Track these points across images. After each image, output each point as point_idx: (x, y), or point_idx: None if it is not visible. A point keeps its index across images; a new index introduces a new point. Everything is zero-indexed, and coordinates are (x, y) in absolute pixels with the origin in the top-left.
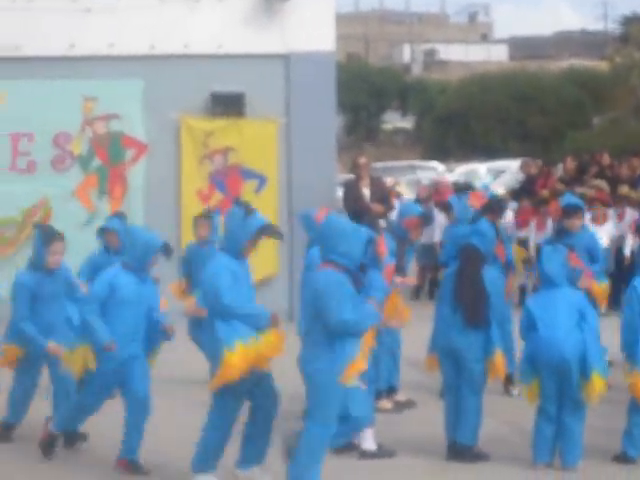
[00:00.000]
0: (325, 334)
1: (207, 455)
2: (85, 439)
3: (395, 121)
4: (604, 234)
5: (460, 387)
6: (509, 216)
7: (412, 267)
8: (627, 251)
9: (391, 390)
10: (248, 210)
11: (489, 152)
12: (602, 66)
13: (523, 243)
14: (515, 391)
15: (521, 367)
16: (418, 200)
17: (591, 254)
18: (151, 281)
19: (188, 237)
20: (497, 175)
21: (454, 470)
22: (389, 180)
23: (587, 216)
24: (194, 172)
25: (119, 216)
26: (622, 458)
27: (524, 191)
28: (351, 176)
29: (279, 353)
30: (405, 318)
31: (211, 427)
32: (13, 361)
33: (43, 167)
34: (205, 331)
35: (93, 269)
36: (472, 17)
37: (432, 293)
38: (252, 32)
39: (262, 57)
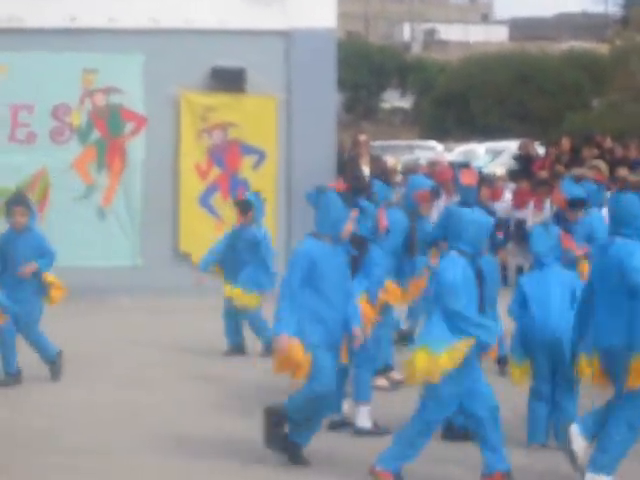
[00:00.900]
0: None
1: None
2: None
3: (394, 100)
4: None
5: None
6: (507, 197)
7: None
8: None
9: (387, 368)
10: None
11: (488, 132)
12: (602, 49)
13: (521, 224)
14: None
15: (513, 346)
16: None
17: (589, 239)
18: None
19: (186, 211)
20: (496, 155)
21: (449, 449)
22: (390, 160)
23: None
24: (193, 146)
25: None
26: None
27: (522, 172)
28: (350, 153)
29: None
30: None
31: None
32: None
33: (42, 139)
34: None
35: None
36: None
37: None
38: (253, 8)
39: (263, 33)
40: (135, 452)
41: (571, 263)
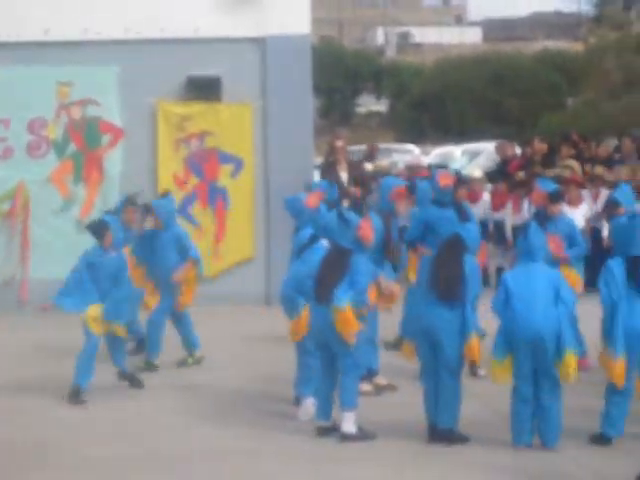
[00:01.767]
0: None
1: None
2: None
3: (369, 104)
4: (579, 216)
5: (438, 371)
6: (485, 198)
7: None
8: (605, 232)
9: (371, 373)
10: None
11: (464, 134)
12: (576, 48)
13: (499, 225)
14: (482, 372)
15: (495, 343)
16: None
17: (571, 240)
18: None
19: None
20: (472, 157)
21: (434, 453)
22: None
23: None
24: (170, 157)
25: None
26: (600, 438)
27: (500, 173)
28: (328, 159)
29: None
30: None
31: None
32: None
33: (19, 153)
34: None
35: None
36: None
37: None
38: (228, 16)
39: (238, 41)
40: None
41: (551, 264)
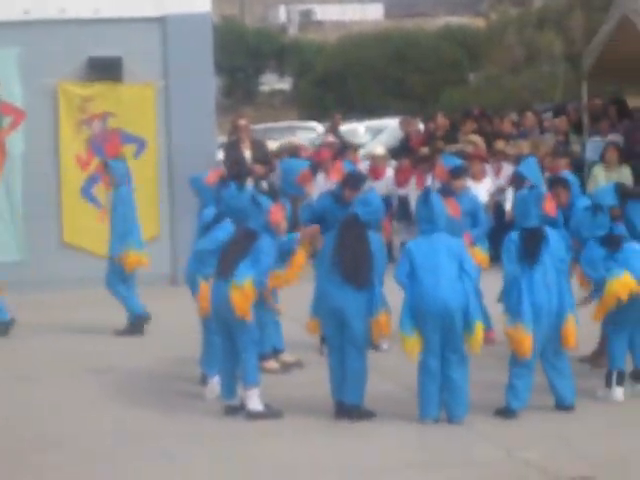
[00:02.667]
0: None
1: None
2: None
3: (273, 82)
4: (483, 190)
5: (344, 348)
6: (389, 174)
7: None
8: (507, 206)
9: (276, 351)
10: None
11: (367, 111)
12: (478, 23)
13: (403, 200)
14: (385, 345)
15: (402, 318)
16: None
17: (473, 217)
18: None
19: (68, 203)
20: (376, 134)
21: (342, 429)
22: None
23: None
24: (72, 138)
25: None
26: (505, 411)
27: (403, 149)
28: (231, 138)
29: None
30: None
31: None
32: None
33: None
34: None
35: None
36: None
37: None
38: None
39: (138, 20)
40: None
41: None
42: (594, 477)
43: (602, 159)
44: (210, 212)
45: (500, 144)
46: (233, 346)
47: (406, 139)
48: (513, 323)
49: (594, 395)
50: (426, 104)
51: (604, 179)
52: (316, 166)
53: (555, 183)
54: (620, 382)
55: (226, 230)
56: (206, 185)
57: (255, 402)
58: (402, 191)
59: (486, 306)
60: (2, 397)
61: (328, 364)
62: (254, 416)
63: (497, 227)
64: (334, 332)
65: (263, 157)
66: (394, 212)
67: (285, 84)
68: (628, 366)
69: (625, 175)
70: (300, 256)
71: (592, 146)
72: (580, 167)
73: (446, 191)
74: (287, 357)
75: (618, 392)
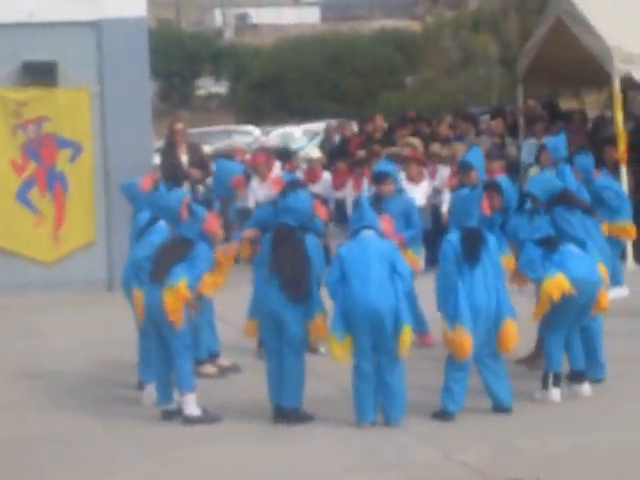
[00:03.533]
0: None
1: None
2: None
3: (209, 86)
4: (420, 193)
5: (282, 350)
6: (326, 177)
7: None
8: (444, 208)
9: (212, 356)
10: None
11: (304, 114)
12: (414, 26)
13: (340, 204)
14: (322, 349)
15: (334, 322)
16: None
17: (406, 219)
18: None
19: (3, 208)
20: (312, 137)
21: (280, 433)
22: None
23: (403, 175)
24: (7, 143)
25: None
26: (441, 414)
27: (340, 152)
28: (168, 142)
29: None
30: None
31: None
32: None
33: None
34: None
35: None
36: None
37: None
38: (62, 0)
39: (73, 25)
40: None
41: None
42: (532, 479)
43: (537, 161)
44: (144, 217)
45: (435, 147)
46: (167, 351)
47: (343, 142)
48: (453, 326)
49: (531, 397)
50: (363, 107)
51: None
52: (251, 171)
53: (488, 187)
54: (557, 383)
55: (160, 234)
56: (140, 191)
57: (192, 407)
58: (339, 194)
59: (422, 309)
60: None
61: (266, 368)
62: (191, 421)
63: (434, 230)
64: (272, 335)
65: (200, 161)
66: (331, 215)
67: (221, 88)
68: (565, 367)
69: None
70: (228, 262)
71: (528, 148)
72: (516, 169)
73: (377, 197)
74: (224, 361)
75: (555, 393)
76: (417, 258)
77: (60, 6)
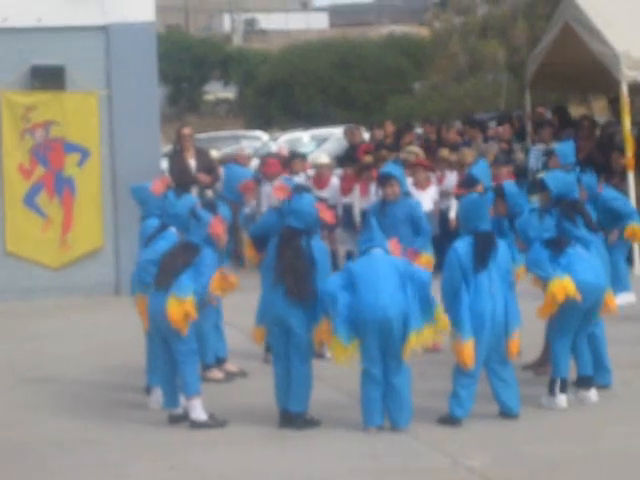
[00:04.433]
0: None
1: None
2: None
3: (217, 91)
4: (427, 199)
5: (289, 355)
6: (334, 182)
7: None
8: (452, 214)
9: (219, 361)
10: None
11: (312, 120)
12: (422, 32)
13: (348, 209)
14: (328, 353)
15: (337, 327)
16: None
17: (414, 224)
18: None
19: (11, 212)
20: (320, 142)
21: (287, 438)
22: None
23: (410, 181)
24: (15, 147)
25: None
26: (448, 419)
27: (348, 158)
28: (176, 147)
29: None
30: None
31: None
32: None
33: None
34: None
35: None
36: None
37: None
38: (71, 4)
39: (81, 29)
40: None
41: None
42: None
43: (545, 166)
44: (153, 223)
45: (444, 152)
46: (171, 355)
47: (351, 148)
48: (454, 333)
49: (538, 402)
50: (370, 113)
51: None
52: (260, 176)
53: (494, 193)
54: (564, 389)
55: (169, 240)
56: (151, 195)
57: (198, 412)
58: (346, 199)
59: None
60: None
61: (273, 372)
62: (198, 426)
63: (441, 235)
64: (279, 340)
65: (207, 166)
66: (339, 220)
67: (230, 93)
68: (572, 373)
69: None
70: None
71: (535, 154)
72: (524, 174)
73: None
74: (231, 366)
75: (561, 399)
76: (430, 258)
77: (68, 11)
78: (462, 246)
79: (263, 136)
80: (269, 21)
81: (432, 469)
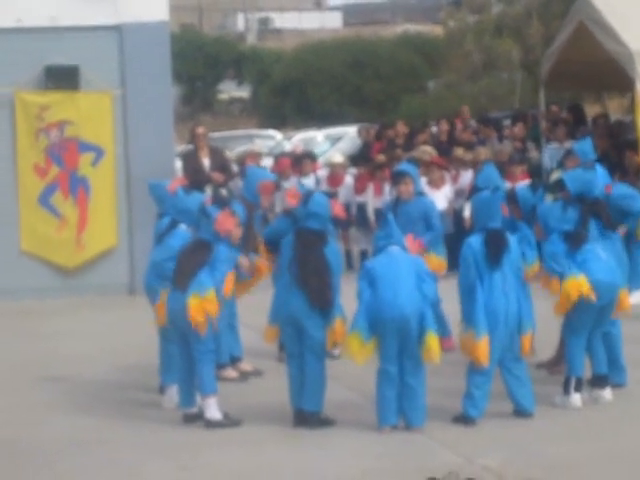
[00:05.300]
0: None
1: None
2: None
3: (231, 91)
4: (442, 197)
5: (303, 354)
6: (348, 181)
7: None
8: (466, 212)
9: (234, 360)
10: None
11: (326, 119)
12: (436, 31)
13: (362, 208)
14: (336, 351)
15: (358, 325)
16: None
17: (426, 222)
18: None
19: (26, 212)
20: (335, 142)
21: (301, 437)
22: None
23: (424, 180)
24: (30, 147)
25: None
26: (463, 419)
27: (362, 157)
28: (189, 146)
29: None
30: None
31: None
32: None
33: None
34: None
35: None
36: None
37: None
38: (84, 4)
39: (95, 29)
40: None
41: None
42: None
43: (560, 165)
44: (167, 220)
45: (459, 151)
46: (190, 354)
47: (365, 147)
48: (466, 331)
49: (552, 401)
50: (385, 112)
51: None
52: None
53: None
54: (578, 388)
55: (180, 237)
56: (166, 193)
57: (213, 411)
58: (360, 198)
59: (444, 313)
60: None
61: (287, 372)
62: (212, 425)
63: (456, 234)
64: (293, 340)
65: (221, 165)
66: (353, 220)
67: (244, 92)
68: (586, 372)
69: None
70: (263, 265)
71: (550, 153)
72: (538, 173)
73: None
74: (245, 365)
75: (576, 398)
76: (441, 260)
77: (82, 10)
78: (475, 242)
79: (277, 135)
80: (283, 20)
81: (447, 469)
